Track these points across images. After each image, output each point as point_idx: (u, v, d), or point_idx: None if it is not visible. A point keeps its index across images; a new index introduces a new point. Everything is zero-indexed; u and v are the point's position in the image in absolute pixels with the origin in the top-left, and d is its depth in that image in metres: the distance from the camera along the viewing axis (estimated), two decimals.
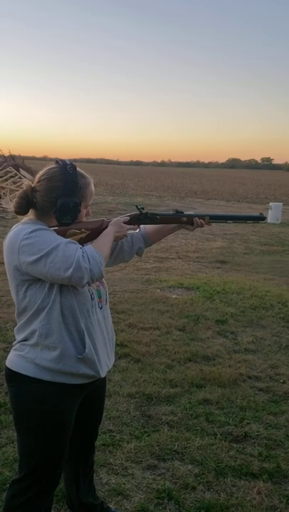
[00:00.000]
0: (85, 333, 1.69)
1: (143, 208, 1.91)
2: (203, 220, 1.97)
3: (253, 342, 4.52)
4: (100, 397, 1.98)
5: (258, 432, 2.96)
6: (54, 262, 1.55)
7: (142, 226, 1.96)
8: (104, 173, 48.69)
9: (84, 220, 1.78)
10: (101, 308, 1.81)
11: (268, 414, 3.18)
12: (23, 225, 1.65)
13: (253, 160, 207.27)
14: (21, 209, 1.70)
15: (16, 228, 1.66)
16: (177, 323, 4.91)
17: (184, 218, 1.96)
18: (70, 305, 1.66)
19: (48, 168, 1.71)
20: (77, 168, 1.70)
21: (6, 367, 1.76)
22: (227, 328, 4.89)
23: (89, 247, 1.62)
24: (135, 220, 1.89)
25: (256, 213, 2.14)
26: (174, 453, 2.71)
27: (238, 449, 2.77)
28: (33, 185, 1.70)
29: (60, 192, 1.65)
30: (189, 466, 2.60)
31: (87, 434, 2.01)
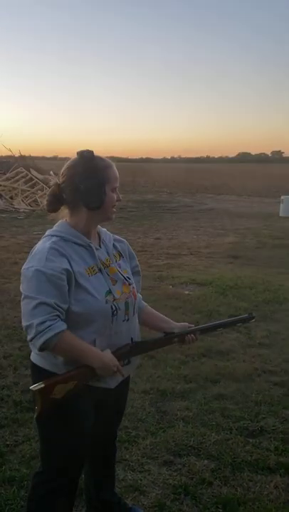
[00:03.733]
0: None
1: (132, 340, 1.80)
2: (194, 334, 1.94)
3: (267, 336, 4.50)
4: (119, 395, 1.95)
5: (273, 426, 2.95)
6: (25, 307, 1.61)
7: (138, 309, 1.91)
8: None
9: (116, 204, 1.76)
10: (127, 320, 1.78)
11: (284, 409, 3.16)
12: (47, 242, 1.68)
13: (264, 153, 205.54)
14: (52, 206, 1.76)
15: (44, 239, 1.72)
16: (190, 319, 4.90)
17: (176, 339, 1.91)
18: (85, 321, 1.67)
19: (68, 161, 1.74)
20: (96, 154, 1.72)
21: (30, 360, 1.80)
22: None
23: (69, 333, 1.60)
24: (126, 353, 1.77)
25: (244, 314, 2.19)
26: (189, 448, 2.71)
27: (254, 444, 2.76)
28: (58, 182, 1.74)
29: (81, 177, 1.67)
30: (205, 462, 2.60)
31: (107, 432, 2.03)
